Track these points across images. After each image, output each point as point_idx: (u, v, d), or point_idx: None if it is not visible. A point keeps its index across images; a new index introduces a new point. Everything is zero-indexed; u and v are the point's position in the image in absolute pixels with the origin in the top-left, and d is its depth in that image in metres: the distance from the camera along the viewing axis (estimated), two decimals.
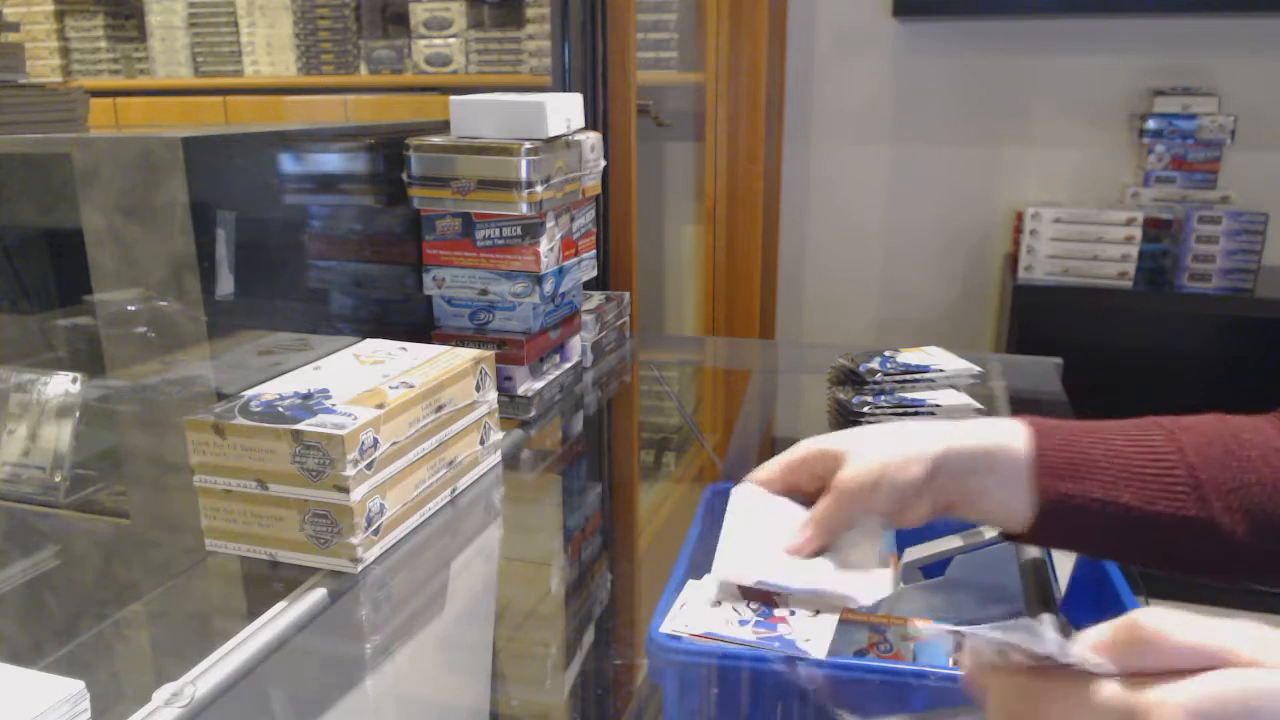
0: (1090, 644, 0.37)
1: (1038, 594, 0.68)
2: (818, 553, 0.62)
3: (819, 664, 0.62)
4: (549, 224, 1.13)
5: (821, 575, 0.62)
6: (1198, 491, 0.57)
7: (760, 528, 0.65)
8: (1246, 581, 0.59)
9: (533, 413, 1.16)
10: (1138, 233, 2.20)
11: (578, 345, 1.32)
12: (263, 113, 2.73)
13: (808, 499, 0.65)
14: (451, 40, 2.67)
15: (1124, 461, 0.59)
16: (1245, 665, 0.35)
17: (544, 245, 1.12)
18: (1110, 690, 0.36)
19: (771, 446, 1.31)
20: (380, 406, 0.81)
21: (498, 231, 1.12)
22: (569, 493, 1.12)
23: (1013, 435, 0.60)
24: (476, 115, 1.14)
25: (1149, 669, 0.35)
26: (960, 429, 0.61)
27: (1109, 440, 0.60)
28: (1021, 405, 1.27)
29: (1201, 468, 0.58)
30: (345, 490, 0.76)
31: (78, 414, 0.98)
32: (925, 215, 2.63)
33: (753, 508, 0.67)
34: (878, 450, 0.61)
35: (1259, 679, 0.35)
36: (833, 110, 2.63)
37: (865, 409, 1.13)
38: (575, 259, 1.24)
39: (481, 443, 0.99)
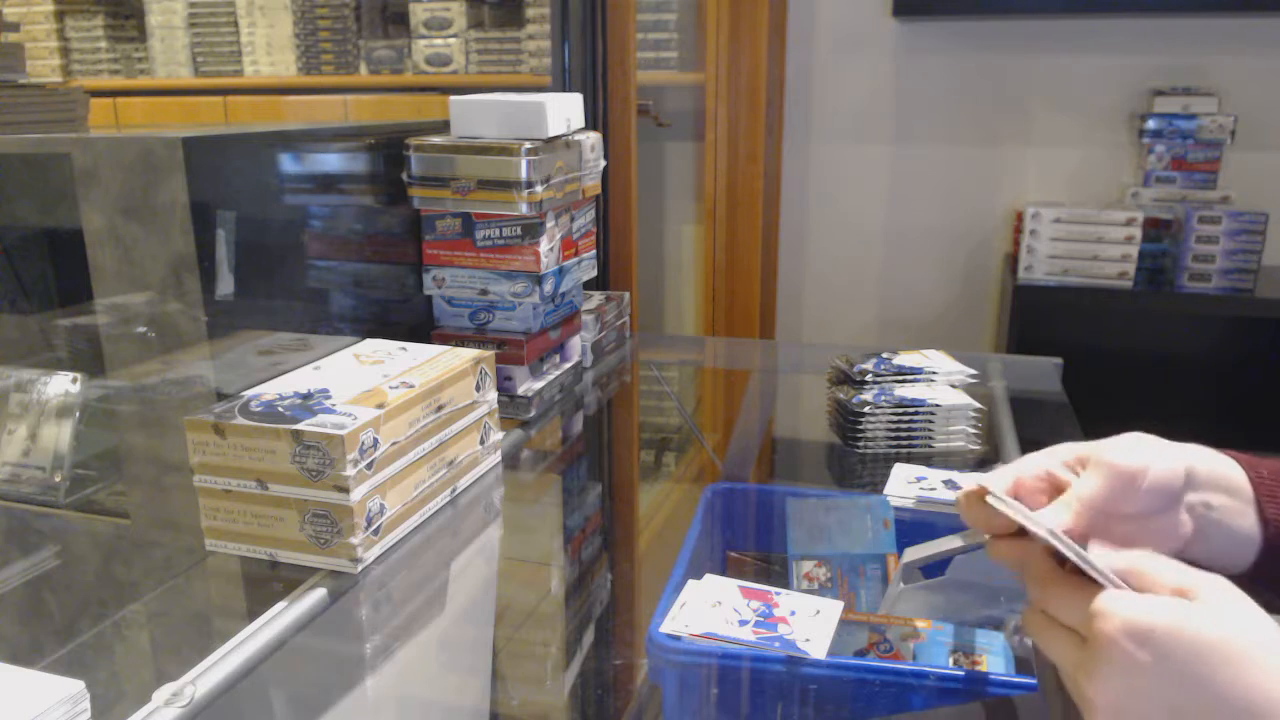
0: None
1: None
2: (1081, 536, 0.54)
3: (819, 664, 0.62)
4: (549, 224, 1.13)
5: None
6: None
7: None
8: None
9: (533, 413, 1.16)
10: (1138, 233, 2.20)
11: (578, 345, 1.32)
12: (263, 113, 2.73)
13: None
14: (451, 40, 2.67)
15: None
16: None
17: (544, 245, 1.12)
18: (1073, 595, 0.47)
19: (771, 446, 1.31)
20: (380, 406, 0.81)
21: (498, 231, 1.12)
22: (569, 493, 1.12)
23: (1229, 462, 0.58)
24: (476, 115, 1.14)
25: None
26: (1185, 448, 0.58)
27: None
28: (1021, 405, 1.27)
29: None
30: (345, 490, 0.76)
31: (78, 414, 0.98)
32: (925, 215, 2.63)
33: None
34: (1138, 443, 0.56)
35: (1193, 614, 0.43)
36: (833, 110, 2.63)
37: (865, 409, 1.13)
38: (575, 259, 1.24)
39: (481, 443, 0.99)
